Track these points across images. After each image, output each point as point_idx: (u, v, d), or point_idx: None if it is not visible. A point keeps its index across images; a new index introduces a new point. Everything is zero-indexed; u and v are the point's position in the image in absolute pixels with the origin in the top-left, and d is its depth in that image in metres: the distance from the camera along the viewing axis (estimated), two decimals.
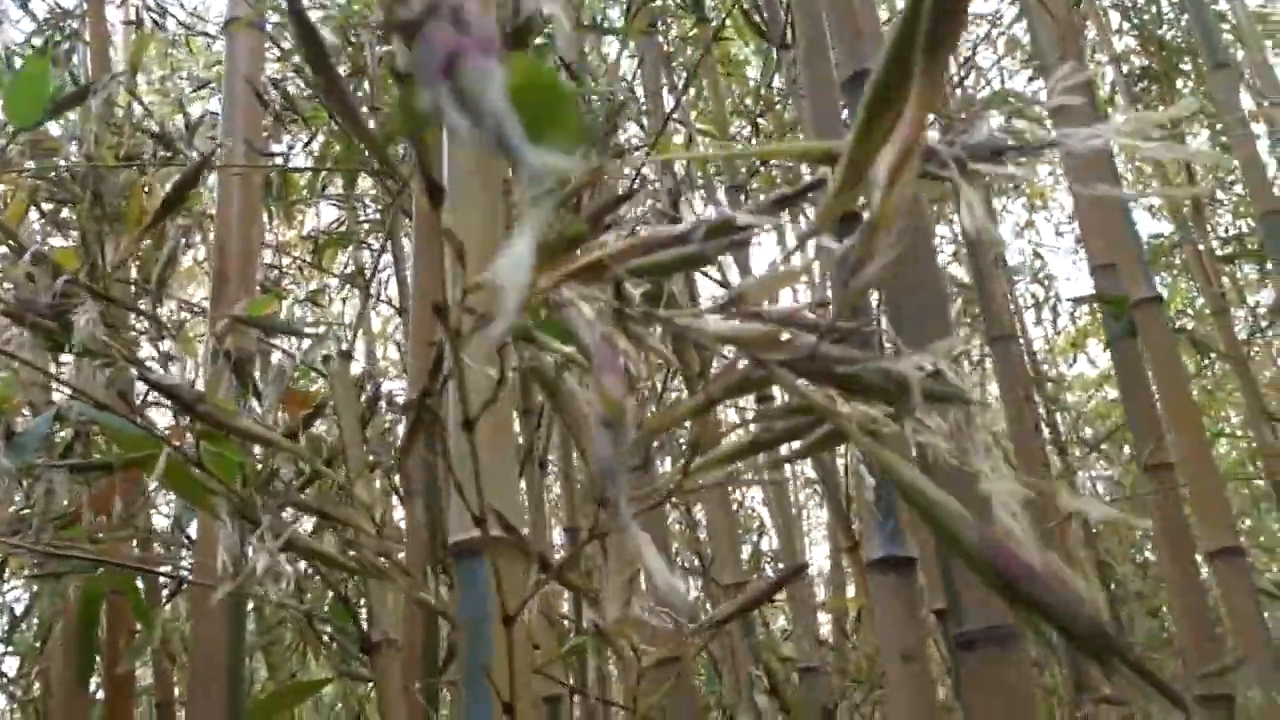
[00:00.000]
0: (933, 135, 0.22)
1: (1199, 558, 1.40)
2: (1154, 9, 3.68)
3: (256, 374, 0.77)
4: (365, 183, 2.30)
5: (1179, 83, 3.77)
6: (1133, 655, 0.18)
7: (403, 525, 1.13)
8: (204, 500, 0.76)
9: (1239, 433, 4.32)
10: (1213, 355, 3.04)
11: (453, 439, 0.74)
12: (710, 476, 0.36)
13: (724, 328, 0.21)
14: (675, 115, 1.53)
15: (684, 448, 0.35)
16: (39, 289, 0.55)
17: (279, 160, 1.75)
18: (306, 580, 1.01)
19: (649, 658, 0.54)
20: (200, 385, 0.86)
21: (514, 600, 0.55)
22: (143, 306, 0.66)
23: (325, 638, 1.23)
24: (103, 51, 1.99)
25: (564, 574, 0.48)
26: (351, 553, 0.53)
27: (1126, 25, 3.66)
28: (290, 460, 0.70)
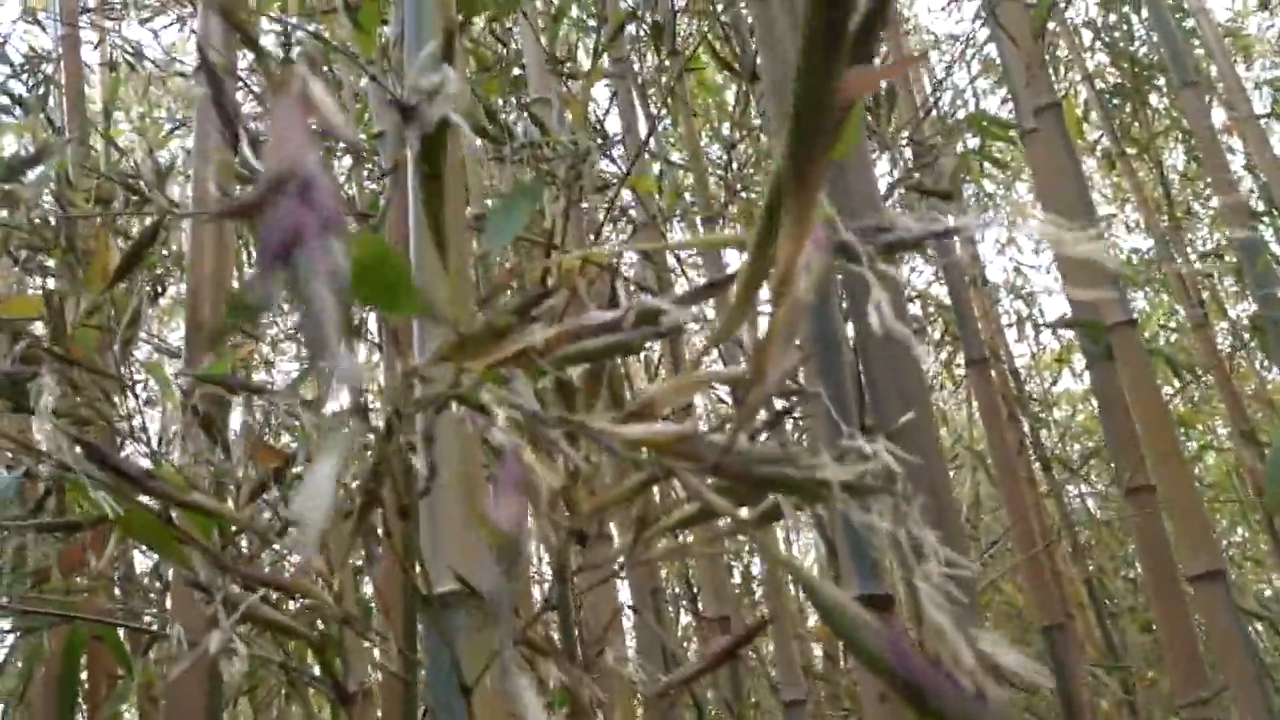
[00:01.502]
0: (843, 226, 0.23)
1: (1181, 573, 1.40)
2: (1125, 26, 3.73)
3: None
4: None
5: (1153, 99, 3.81)
6: None
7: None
8: (177, 554, 0.75)
9: (1227, 445, 4.33)
10: (1197, 370, 3.06)
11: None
12: (660, 547, 0.36)
13: (635, 432, 0.21)
14: (648, 147, 1.54)
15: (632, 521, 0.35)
16: None
17: None
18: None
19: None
20: (173, 436, 0.86)
21: (482, 658, 0.54)
22: (107, 367, 0.66)
23: (307, 684, 1.21)
24: (78, 94, 1.99)
25: (528, 637, 0.47)
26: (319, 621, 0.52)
27: (1099, 44, 3.70)
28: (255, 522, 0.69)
